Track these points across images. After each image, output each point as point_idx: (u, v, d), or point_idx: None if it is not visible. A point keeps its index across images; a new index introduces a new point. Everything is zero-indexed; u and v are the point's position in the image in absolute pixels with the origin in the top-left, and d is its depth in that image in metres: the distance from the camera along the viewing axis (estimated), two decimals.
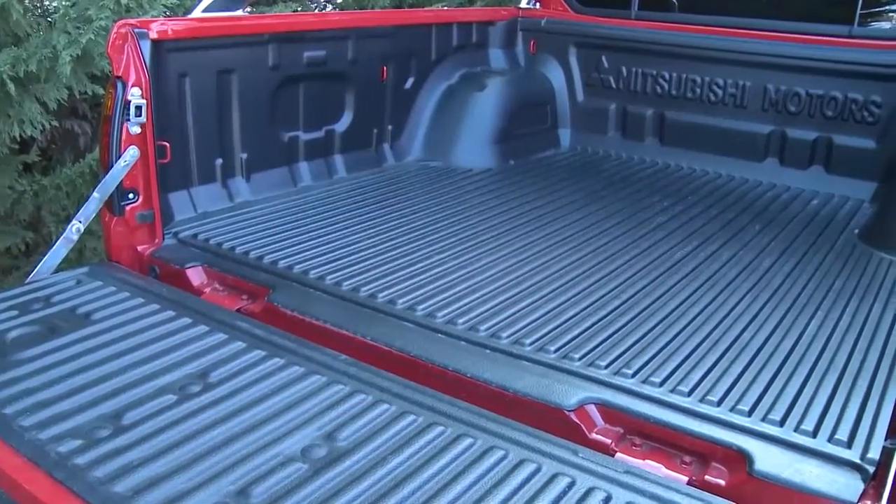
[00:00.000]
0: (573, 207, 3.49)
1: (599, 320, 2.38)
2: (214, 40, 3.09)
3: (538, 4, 4.81)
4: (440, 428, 1.84)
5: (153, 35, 2.80)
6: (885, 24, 3.92)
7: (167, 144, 2.93)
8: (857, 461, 1.74)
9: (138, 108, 2.75)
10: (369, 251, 2.86)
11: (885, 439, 1.80)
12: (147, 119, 2.79)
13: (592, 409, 1.99)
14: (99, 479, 1.63)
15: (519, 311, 2.43)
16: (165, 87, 2.92)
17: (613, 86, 4.49)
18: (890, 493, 1.58)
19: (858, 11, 3.78)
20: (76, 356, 2.10)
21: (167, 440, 1.77)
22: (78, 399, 1.91)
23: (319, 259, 2.76)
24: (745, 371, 2.11)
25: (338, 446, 1.77)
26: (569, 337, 2.27)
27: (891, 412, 1.92)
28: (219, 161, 3.22)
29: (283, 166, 3.54)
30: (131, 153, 2.77)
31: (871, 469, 1.72)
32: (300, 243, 2.90)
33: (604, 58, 4.49)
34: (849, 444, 1.79)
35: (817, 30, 3.89)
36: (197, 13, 3.04)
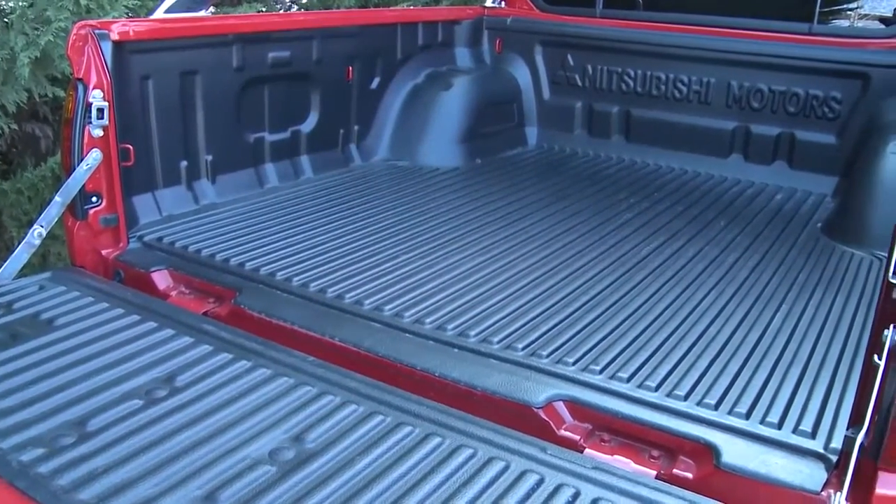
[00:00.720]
0: (540, 205, 3.50)
1: (567, 317, 2.39)
2: (177, 41, 3.06)
3: (504, 3, 4.82)
4: (408, 428, 1.84)
5: (114, 36, 2.76)
6: (844, 22, 4.00)
7: (130, 147, 2.89)
8: (821, 451, 1.77)
9: (100, 110, 2.72)
10: (336, 252, 2.84)
11: (847, 429, 1.83)
12: (109, 122, 2.75)
13: (561, 406, 2.00)
14: (63, 487, 1.61)
15: (486, 309, 2.44)
16: (128, 89, 2.88)
17: (579, 84, 4.52)
18: (851, 481, 1.61)
19: (818, 9, 3.85)
20: (39, 363, 2.07)
21: (133, 446, 1.75)
22: (41, 406, 1.88)
23: (286, 261, 2.75)
24: (711, 365, 2.13)
25: (306, 448, 1.76)
26: (536, 334, 2.28)
27: (852, 402, 1.95)
28: (183, 163, 3.19)
29: (249, 168, 3.51)
30: (94, 156, 2.74)
31: (834, 458, 1.75)
32: (267, 245, 2.88)
33: (569, 56, 4.51)
34: (813, 435, 1.82)
35: (778, 27, 3.95)
36: (159, 14, 3.00)
